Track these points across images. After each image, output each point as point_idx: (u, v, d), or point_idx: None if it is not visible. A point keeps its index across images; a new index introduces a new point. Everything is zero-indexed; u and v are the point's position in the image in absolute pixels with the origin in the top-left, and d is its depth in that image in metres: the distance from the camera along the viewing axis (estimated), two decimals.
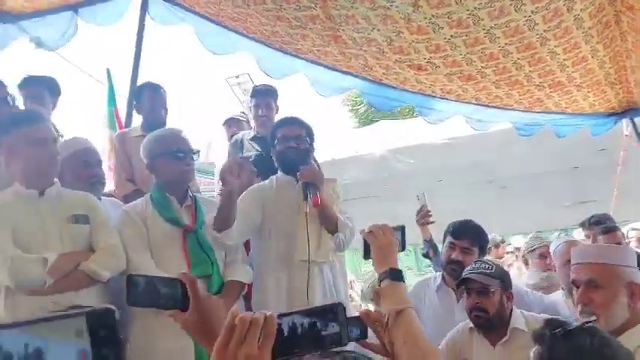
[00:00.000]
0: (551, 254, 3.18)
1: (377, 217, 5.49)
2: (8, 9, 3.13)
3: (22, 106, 3.05)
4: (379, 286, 1.51)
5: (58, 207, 2.30)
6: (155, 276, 1.07)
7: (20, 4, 3.09)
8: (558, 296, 2.87)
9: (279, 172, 2.83)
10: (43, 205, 2.28)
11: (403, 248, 1.67)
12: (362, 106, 11.98)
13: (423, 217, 3.23)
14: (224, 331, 0.81)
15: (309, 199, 2.57)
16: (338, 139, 7.28)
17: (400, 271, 1.52)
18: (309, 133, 2.80)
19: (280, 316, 0.86)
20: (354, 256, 6.33)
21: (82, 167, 2.60)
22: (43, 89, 3.17)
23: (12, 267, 2.09)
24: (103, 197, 2.73)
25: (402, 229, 1.70)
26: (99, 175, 2.65)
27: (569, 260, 2.90)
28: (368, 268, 5.66)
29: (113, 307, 0.58)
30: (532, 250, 3.76)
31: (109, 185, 3.06)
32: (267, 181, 2.84)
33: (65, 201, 2.34)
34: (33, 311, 2.11)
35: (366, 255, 1.62)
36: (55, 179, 2.38)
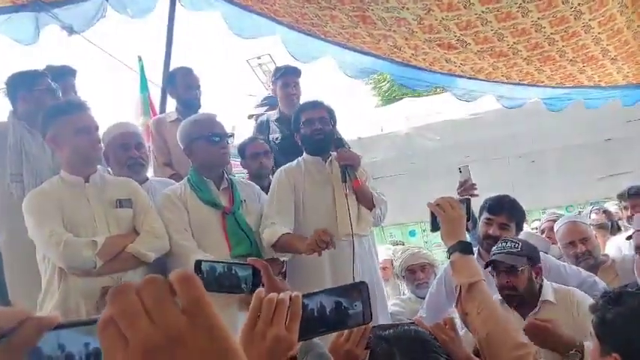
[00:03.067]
0: (555, 233, 3.13)
1: (405, 194, 5.55)
2: None
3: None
4: (448, 258, 1.53)
5: (103, 192, 2.39)
6: (231, 262, 1.09)
7: None
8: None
9: (304, 154, 2.89)
10: (89, 191, 2.36)
11: (469, 220, 1.67)
12: (385, 83, 11.85)
13: (467, 191, 2.98)
14: (250, 312, 0.82)
15: (348, 181, 2.62)
16: (362, 117, 7.28)
17: (470, 244, 1.53)
18: (331, 115, 2.87)
19: (306, 296, 0.88)
20: (381, 233, 6.37)
21: (121, 151, 2.65)
22: (71, 78, 3.15)
23: (65, 250, 2.19)
24: (152, 179, 2.79)
25: (467, 201, 1.72)
26: (135, 157, 2.66)
27: (573, 242, 2.89)
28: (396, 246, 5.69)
29: None
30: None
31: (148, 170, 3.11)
32: (294, 162, 2.88)
33: (109, 186, 2.43)
34: (84, 292, 2.22)
35: (434, 227, 1.62)
36: (99, 166, 2.47)
